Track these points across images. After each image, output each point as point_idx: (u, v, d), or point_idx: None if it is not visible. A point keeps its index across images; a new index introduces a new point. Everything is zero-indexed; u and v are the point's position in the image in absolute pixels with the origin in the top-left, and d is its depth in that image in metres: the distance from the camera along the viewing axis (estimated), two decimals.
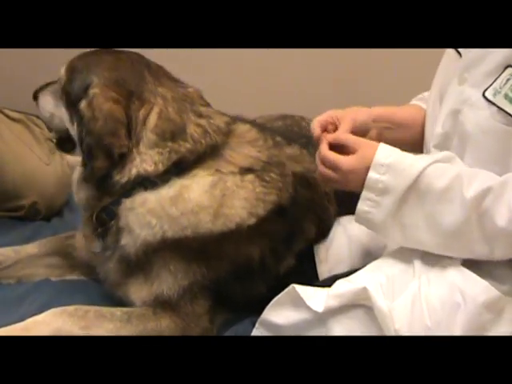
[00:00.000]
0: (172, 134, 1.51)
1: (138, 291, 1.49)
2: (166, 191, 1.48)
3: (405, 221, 1.31)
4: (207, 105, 1.63)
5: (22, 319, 1.41)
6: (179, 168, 1.50)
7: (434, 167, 1.30)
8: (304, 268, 1.57)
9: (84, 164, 1.52)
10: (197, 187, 1.49)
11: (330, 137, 1.41)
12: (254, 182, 1.53)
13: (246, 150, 1.58)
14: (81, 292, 1.61)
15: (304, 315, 1.34)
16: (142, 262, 1.49)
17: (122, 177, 1.49)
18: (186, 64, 2.38)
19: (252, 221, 1.50)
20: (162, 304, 1.46)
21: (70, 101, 1.56)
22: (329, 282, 1.37)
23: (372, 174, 1.31)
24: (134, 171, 1.48)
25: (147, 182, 1.49)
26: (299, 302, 1.34)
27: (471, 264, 1.31)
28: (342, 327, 1.30)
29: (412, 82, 1.96)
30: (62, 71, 1.60)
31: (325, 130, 1.46)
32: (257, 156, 1.58)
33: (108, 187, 1.51)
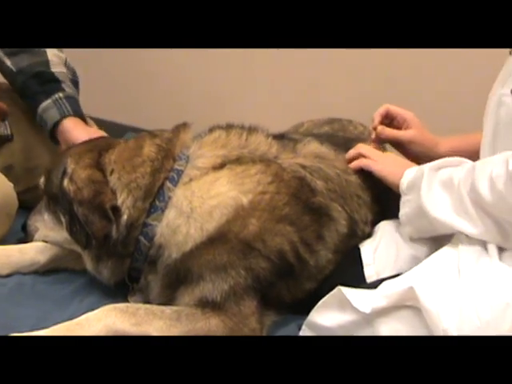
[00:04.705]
0: (129, 162, 1.55)
1: (181, 297, 1.52)
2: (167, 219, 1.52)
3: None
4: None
5: (72, 316, 1.44)
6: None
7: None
8: (347, 267, 1.57)
9: (85, 245, 1.56)
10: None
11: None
12: (230, 174, 1.54)
13: (214, 152, 1.59)
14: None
15: (350, 317, 1.37)
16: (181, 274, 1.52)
17: (122, 230, 1.53)
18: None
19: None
20: (208, 305, 1.47)
21: (54, 197, 1.61)
22: (374, 285, 1.39)
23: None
24: (124, 217, 1.52)
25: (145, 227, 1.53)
26: (345, 304, 1.37)
27: None
28: (389, 328, 1.33)
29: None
30: (41, 179, 1.68)
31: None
32: (225, 154, 1.59)
33: (120, 249, 1.55)
